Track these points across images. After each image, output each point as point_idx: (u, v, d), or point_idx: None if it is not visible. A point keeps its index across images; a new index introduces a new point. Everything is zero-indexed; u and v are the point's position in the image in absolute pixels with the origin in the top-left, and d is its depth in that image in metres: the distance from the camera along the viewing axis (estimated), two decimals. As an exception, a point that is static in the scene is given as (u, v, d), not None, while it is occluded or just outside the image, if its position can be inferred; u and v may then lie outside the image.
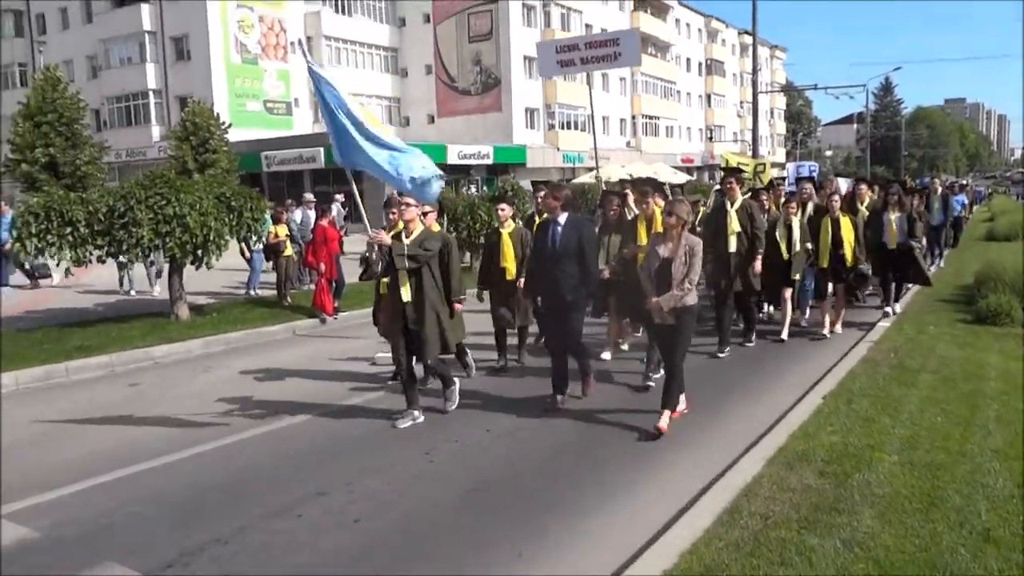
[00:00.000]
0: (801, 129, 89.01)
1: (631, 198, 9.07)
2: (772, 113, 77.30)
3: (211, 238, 11.45)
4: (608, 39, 10.58)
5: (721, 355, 9.01)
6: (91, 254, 11.03)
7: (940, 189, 19.35)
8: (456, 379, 7.21)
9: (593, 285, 7.10)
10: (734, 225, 9.12)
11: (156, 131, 40.63)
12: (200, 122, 27.15)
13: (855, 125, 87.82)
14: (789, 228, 9.75)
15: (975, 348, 9.01)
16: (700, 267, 6.07)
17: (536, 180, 11.96)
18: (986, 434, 5.86)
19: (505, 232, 8.54)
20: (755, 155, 29.41)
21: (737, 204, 9.25)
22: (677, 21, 61.95)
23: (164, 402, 7.75)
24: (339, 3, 44.16)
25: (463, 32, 44.35)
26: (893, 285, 11.29)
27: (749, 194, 10.43)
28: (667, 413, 6.29)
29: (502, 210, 8.68)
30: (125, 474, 5.64)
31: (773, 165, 22.20)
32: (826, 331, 10.12)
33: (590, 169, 41.38)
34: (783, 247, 9.68)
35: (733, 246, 9.15)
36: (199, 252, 11.47)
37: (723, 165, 16.58)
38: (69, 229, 10.65)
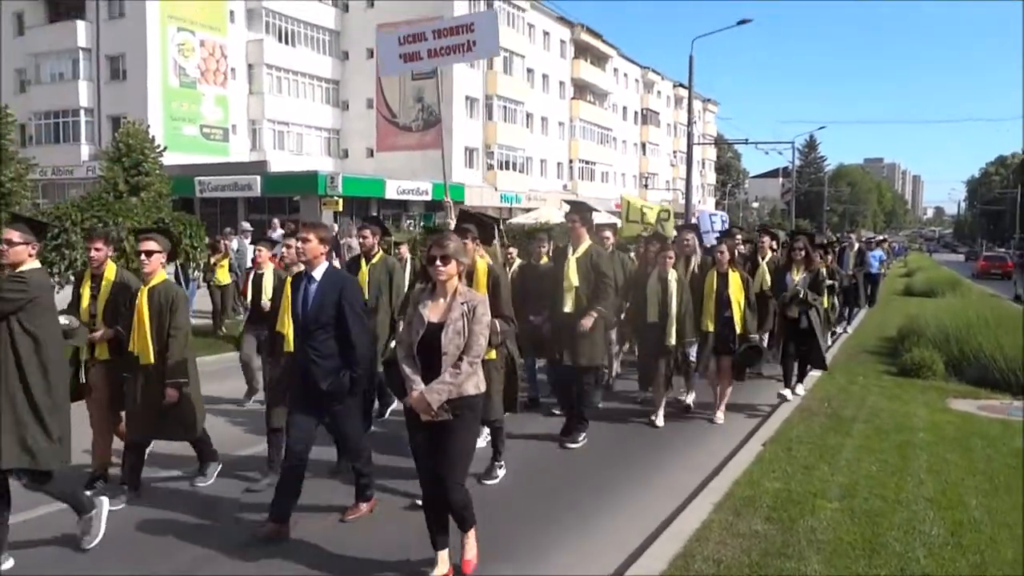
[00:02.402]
0: (730, 180, 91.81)
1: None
2: (704, 164, 79.64)
3: (148, 263, 11.18)
4: (461, 25, 8.17)
5: (572, 445, 7.25)
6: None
7: (857, 245, 18.93)
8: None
9: (364, 366, 5.03)
10: (573, 278, 7.09)
11: (86, 150, 39.48)
12: (134, 143, 26.45)
13: (781, 179, 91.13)
14: (664, 284, 7.97)
15: (902, 400, 9.39)
16: (485, 338, 4.28)
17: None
18: (919, 483, 6.11)
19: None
20: (688, 204, 30.20)
21: (580, 251, 7.12)
22: (615, 71, 63.57)
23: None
24: (282, 33, 43.98)
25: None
26: (796, 363, 9.33)
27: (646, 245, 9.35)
28: (471, 543, 4.53)
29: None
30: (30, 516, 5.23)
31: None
32: (719, 418, 8.41)
33: (527, 210, 41.99)
34: (653, 308, 7.91)
35: (570, 305, 7.12)
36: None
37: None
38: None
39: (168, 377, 5.42)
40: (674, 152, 73.61)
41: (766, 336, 10.03)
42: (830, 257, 12.37)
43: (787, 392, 9.05)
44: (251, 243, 13.95)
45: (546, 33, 53.13)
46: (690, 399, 8.93)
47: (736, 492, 5.76)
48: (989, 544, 4.89)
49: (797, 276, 9.05)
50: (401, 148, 44.88)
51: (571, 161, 56.87)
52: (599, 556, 4.83)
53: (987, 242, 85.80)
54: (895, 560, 4.62)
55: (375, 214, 35.53)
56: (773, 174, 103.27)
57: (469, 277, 5.33)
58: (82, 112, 40.14)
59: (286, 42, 44.13)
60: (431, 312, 4.29)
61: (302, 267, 5.14)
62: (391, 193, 36.68)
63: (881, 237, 40.23)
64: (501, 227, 8.39)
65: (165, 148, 29.09)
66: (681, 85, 66.40)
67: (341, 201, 32.46)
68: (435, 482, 4.26)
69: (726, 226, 13.49)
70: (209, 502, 5.68)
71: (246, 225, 17.50)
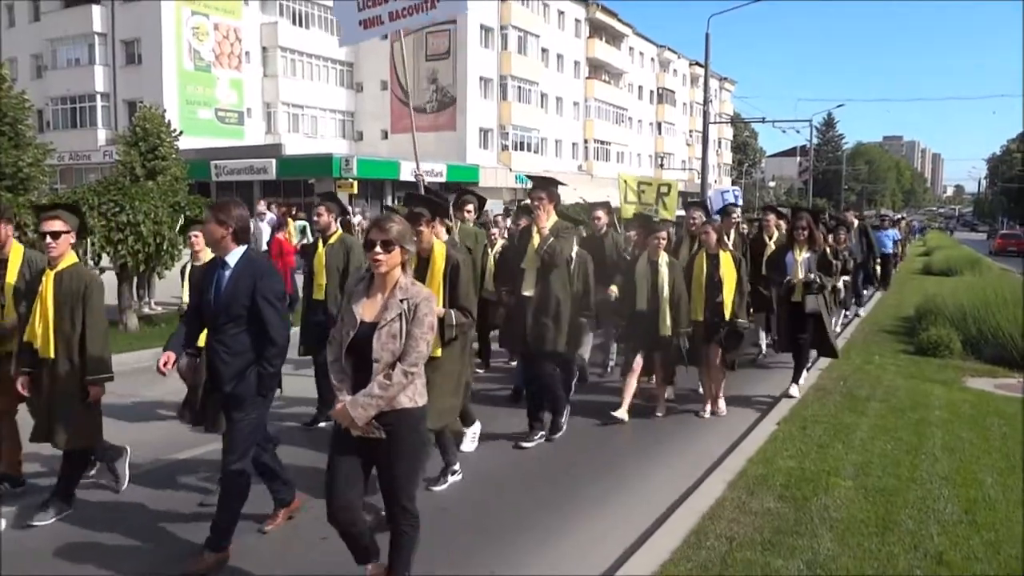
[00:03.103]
0: (747, 159, 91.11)
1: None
2: (720, 143, 79.06)
3: (164, 247, 11.29)
4: None
5: (526, 444, 6.61)
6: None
7: (857, 222, 16.27)
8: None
9: (278, 364, 4.35)
10: (534, 259, 6.46)
11: (102, 134, 39.73)
12: (150, 128, 26.54)
13: (798, 158, 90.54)
14: (655, 268, 7.38)
15: (919, 379, 9.35)
16: (427, 343, 3.60)
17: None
18: (933, 461, 6.10)
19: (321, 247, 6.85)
20: (704, 183, 30.02)
21: (546, 228, 6.47)
22: (631, 50, 63.07)
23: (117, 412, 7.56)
24: (296, 15, 43.92)
25: (420, 50, 44.47)
26: (797, 354, 8.54)
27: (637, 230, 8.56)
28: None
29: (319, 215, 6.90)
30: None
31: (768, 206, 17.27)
32: (706, 411, 7.77)
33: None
34: (642, 294, 7.32)
35: (530, 287, 6.51)
36: (150, 261, 11.30)
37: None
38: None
39: (89, 374, 4.82)
40: (690, 131, 73.07)
41: (762, 320, 9.70)
42: (842, 235, 11.59)
43: (794, 388, 8.38)
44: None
45: (561, 12, 52.75)
46: (668, 393, 8.11)
47: (749, 470, 5.77)
48: (1004, 522, 4.88)
49: (800, 256, 8.22)
50: (415, 129, 44.83)
51: (586, 141, 56.61)
52: (613, 532, 4.87)
53: (1008, 220, 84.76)
54: (908, 538, 4.62)
55: (390, 198, 35.66)
56: (790, 153, 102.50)
57: (425, 263, 5.05)
58: (98, 97, 40.36)
59: (300, 24, 44.07)
60: (365, 310, 3.62)
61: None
62: (406, 175, 36.68)
63: (899, 216, 39.86)
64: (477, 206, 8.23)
65: (181, 132, 29.22)
66: (697, 63, 65.73)
67: (356, 183, 32.52)
68: (348, 513, 3.66)
69: (739, 201, 12.73)
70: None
71: (261, 207, 17.53)
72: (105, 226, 10.69)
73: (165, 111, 29.42)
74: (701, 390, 8.13)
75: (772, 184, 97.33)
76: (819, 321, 8.27)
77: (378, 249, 3.54)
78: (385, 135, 46.30)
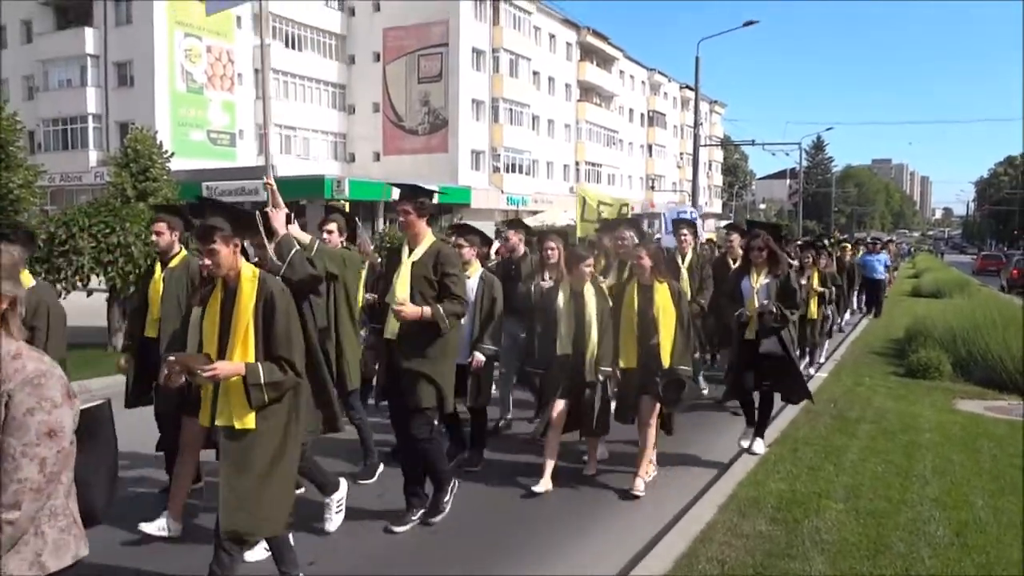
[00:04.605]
0: (737, 182, 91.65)
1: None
2: (710, 165, 79.46)
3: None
4: None
5: (398, 528, 5.18)
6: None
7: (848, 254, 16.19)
8: None
9: None
10: (401, 289, 4.98)
11: (94, 156, 39.67)
12: (142, 149, 26.57)
13: (788, 180, 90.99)
14: (580, 302, 5.95)
15: (908, 401, 9.37)
16: (36, 462, 2.07)
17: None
18: (924, 483, 6.10)
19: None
20: (695, 206, 30.15)
21: (419, 252, 5.07)
22: (622, 73, 63.57)
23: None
24: (289, 38, 44.15)
25: (412, 73, 44.73)
26: (759, 402, 7.01)
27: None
28: None
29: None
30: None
31: (708, 217, 17.82)
32: (638, 487, 5.93)
33: (534, 212, 42.00)
34: (563, 336, 5.92)
35: (393, 325, 5.03)
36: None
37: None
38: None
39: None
40: (681, 154, 73.53)
41: (694, 369, 7.46)
42: (823, 261, 11.37)
43: (747, 443, 6.97)
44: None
45: (552, 36, 53.20)
46: (593, 464, 6.49)
47: (740, 493, 5.76)
48: (995, 544, 4.88)
49: (756, 283, 6.75)
50: (407, 151, 45.01)
51: (577, 163, 56.89)
52: (604, 556, 4.85)
53: (995, 243, 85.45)
54: (900, 561, 4.61)
55: (382, 220, 35.70)
56: (780, 175, 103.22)
57: (233, 296, 3.76)
58: (90, 118, 40.34)
59: (292, 47, 44.28)
60: None
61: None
62: (397, 197, 36.73)
63: (888, 238, 40.01)
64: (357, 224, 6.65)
65: (173, 153, 29.24)
66: (687, 87, 66.23)
67: (348, 205, 32.53)
68: None
69: (695, 218, 11.22)
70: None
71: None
72: (96, 247, 10.67)
73: (157, 132, 29.44)
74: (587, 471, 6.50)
75: (763, 206, 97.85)
76: (782, 363, 6.70)
77: None
78: (377, 157, 46.44)
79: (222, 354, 3.73)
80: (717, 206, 80.00)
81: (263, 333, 3.73)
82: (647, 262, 6.00)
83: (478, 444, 6.60)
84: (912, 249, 75.57)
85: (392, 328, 5.01)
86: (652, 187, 68.89)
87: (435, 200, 4.96)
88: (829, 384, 10.15)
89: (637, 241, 7.19)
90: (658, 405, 6.06)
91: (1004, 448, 7.23)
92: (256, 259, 4.82)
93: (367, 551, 4.87)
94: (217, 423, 3.79)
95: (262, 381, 3.67)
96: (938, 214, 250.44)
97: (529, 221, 34.11)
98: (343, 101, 47.54)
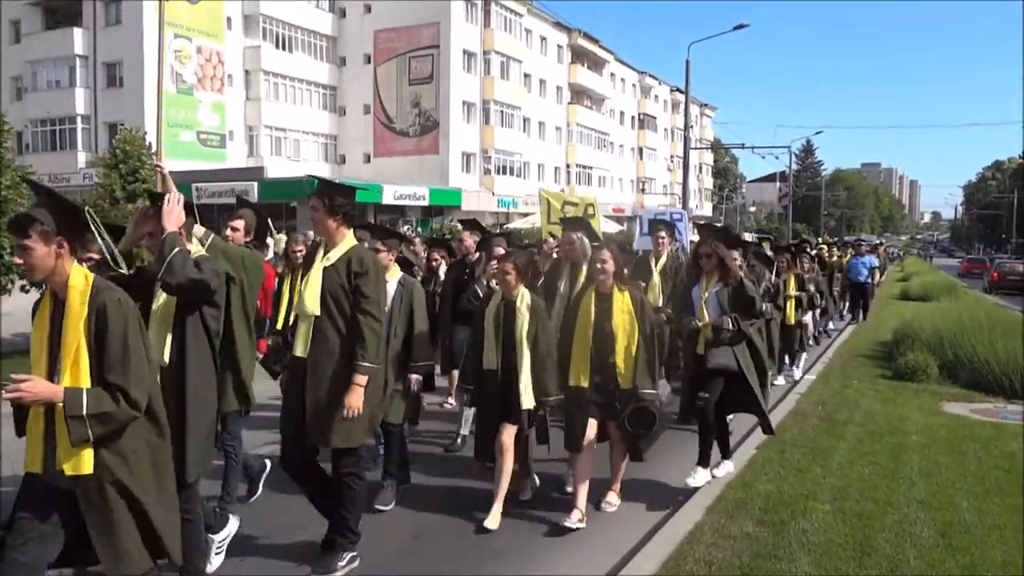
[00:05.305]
0: (727, 185, 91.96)
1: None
2: (700, 168, 79.74)
3: (144, 270, 11.23)
4: None
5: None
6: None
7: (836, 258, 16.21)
8: None
9: None
10: (311, 302, 4.40)
11: (82, 157, 39.49)
12: (131, 150, 26.45)
13: (778, 183, 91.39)
14: (511, 313, 5.35)
15: (895, 403, 9.43)
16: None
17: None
18: (910, 485, 6.15)
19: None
20: (685, 208, 30.23)
21: (333, 257, 4.44)
22: (612, 75, 63.68)
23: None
24: (279, 39, 44.06)
25: (403, 74, 44.73)
26: (713, 426, 6.09)
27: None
28: None
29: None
30: None
31: (697, 219, 16.80)
32: (572, 520, 5.20)
33: (525, 214, 42.03)
34: (489, 349, 5.34)
35: (302, 343, 4.48)
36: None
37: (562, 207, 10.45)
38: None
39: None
40: (671, 156, 73.72)
41: (660, 392, 5.92)
42: (806, 264, 11.28)
43: (699, 475, 5.92)
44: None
45: (543, 38, 53.26)
46: (528, 491, 5.89)
47: (728, 495, 5.79)
48: (979, 546, 4.92)
49: (706, 292, 5.92)
50: (398, 153, 44.99)
51: (568, 166, 56.96)
52: (592, 558, 4.86)
53: (983, 246, 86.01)
54: (885, 562, 4.65)
55: (371, 220, 35.65)
56: (770, 179, 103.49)
57: (63, 309, 3.05)
58: (79, 119, 40.17)
59: (283, 48, 44.19)
60: None
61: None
62: (388, 199, 36.69)
63: (878, 241, 40.23)
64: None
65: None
66: (678, 90, 66.49)
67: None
68: None
69: (677, 221, 10.60)
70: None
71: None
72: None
73: (146, 133, 29.31)
74: (569, 488, 5.79)
75: (753, 209, 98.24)
76: (738, 381, 5.91)
77: None
78: (368, 159, 46.37)
79: (51, 379, 3.00)
80: (708, 209, 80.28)
81: (97, 351, 3.01)
82: (610, 267, 5.32)
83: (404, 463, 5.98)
84: (901, 253, 75.96)
85: (303, 345, 4.39)
86: (643, 190, 69.02)
87: (353, 201, 4.40)
88: (817, 386, 10.21)
89: (594, 243, 6.42)
90: (613, 431, 5.45)
91: (989, 450, 7.28)
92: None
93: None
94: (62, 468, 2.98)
95: (84, 412, 2.90)
96: (927, 218, 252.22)
97: (520, 223, 34.33)
98: (334, 103, 47.46)
